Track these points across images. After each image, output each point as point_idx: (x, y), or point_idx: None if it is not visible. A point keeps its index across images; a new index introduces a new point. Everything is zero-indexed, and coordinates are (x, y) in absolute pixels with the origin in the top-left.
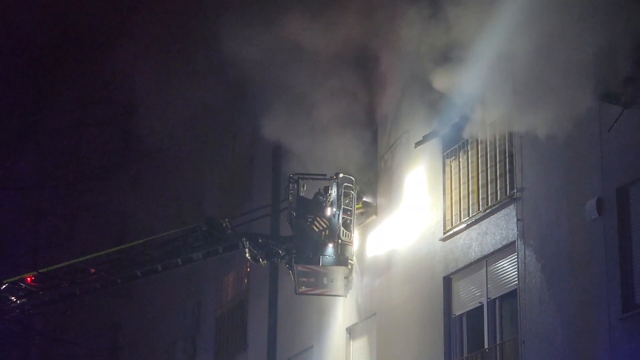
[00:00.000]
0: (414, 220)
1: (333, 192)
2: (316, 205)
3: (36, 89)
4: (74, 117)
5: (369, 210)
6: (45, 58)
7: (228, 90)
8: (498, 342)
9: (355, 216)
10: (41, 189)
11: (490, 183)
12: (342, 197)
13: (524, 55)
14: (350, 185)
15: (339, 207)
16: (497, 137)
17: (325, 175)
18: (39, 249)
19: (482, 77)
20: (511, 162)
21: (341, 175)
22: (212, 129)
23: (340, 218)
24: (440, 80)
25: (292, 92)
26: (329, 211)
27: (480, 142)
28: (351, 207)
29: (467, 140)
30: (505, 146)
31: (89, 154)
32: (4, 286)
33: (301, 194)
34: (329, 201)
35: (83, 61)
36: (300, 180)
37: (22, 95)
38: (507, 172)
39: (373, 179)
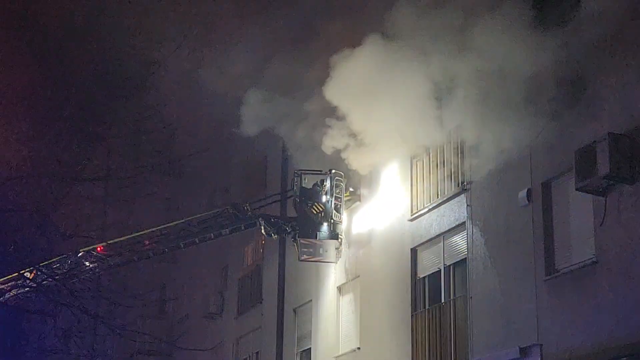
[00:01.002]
0: (388, 205)
1: (327, 183)
2: (314, 193)
3: (102, 105)
4: (132, 127)
5: (354, 198)
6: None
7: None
8: (452, 297)
9: (343, 202)
10: (108, 181)
11: (447, 178)
12: (334, 188)
13: (472, 80)
14: (340, 178)
15: (331, 195)
16: (452, 143)
17: (321, 171)
18: (107, 226)
19: (440, 98)
20: (462, 163)
21: (333, 171)
22: (236, 136)
23: (333, 203)
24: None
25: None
26: (324, 198)
27: (439, 147)
28: (341, 195)
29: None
30: (458, 150)
31: (145, 153)
32: (80, 254)
33: (303, 185)
34: (324, 190)
35: (135, 86)
36: (302, 175)
37: (91, 110)
38: (460, 170)
39: (357, 174)
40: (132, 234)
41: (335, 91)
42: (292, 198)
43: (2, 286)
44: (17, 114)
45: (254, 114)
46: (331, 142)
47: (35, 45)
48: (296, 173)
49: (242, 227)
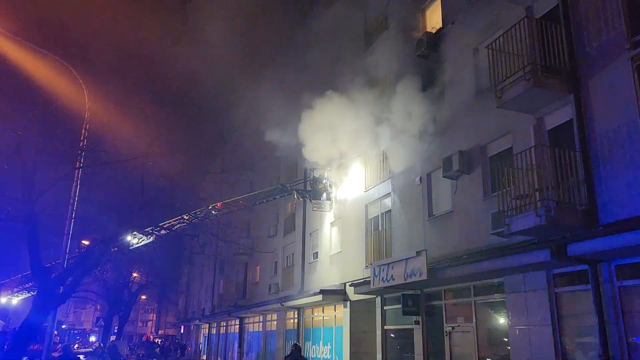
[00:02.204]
0: (355, 184)
1: (326, 174)
2: (320, 179)
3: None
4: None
5: (338, 181)
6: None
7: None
8: (384, 227)
9: (333, 183)
10: (222, 173)
11: (382, 171)
12: (329, 176)
13: (394, 126)
14: (332, 172)
15: (328, 180)
16: (383, 155)
17: (325, 170)
18: (221, 195)
19: (378, 135)
20: (387, 167)
21: (328, 168)
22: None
23: (328, 184)
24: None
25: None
26: (324, 181)
27: (376, 158)
28: (332, 180)
29: (374, 156)
30: (387, 158)
31: (238, 161)
32: (210, 207)
33: (314, 175)
34: (324, 177)
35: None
36: (312, 169)
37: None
38: (388, 168)
39: (342, 170)
40: (233, 198)
41: (310, 153)
42: (309, 181)
43: (173, 222)
44: (177, 147)
45: (288, 146)
46: (324, 169)
47: (190, 115)
48: (310, 169)
49: (286, 195)
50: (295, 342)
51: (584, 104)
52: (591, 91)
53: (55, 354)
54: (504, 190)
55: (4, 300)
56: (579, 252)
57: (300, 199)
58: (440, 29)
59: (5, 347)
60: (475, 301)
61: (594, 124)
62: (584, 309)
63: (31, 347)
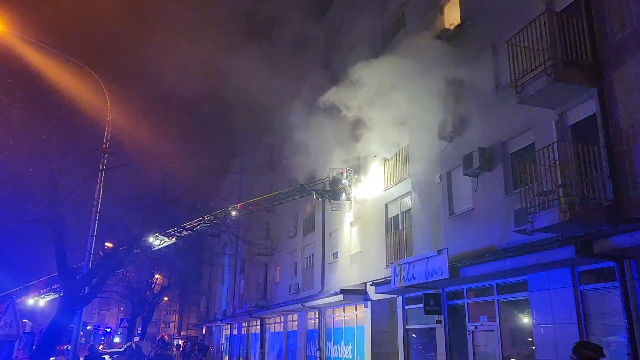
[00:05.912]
0: (374, 184)
1: (345, 174)
2: (339, 179)
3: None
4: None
5: (357, 181)
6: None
7: None
8: (404, 226)
9: (353, 183)
10: (242, 174)
11: (400, 171)
12: (348, 176)
13: (415, 128)
14: (351, 171)
15: (347, 179)
16: (402, 154)
17: (343, 168)
18: (240, 196)
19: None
20: (407, 166)
21: (347, 168)
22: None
23: (348, 184)
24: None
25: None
26: (344, 181)
27: (395, 157)
28: (351, 180)
29: (393, 155)
30: (407, 157)
31: (260, 159)
32: (230, 208)
33: (333, 175)
34: (343, 177)
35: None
36: (332, 169)
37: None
38: (408, 166)
39: (361, 169)
40: (252, 199)
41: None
42: (328, 182)
43: (194, 223)
44: (201, 148)
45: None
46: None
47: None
48: (330, 169)
49: (304, 196)
50: None
51: (607, 97)
52: (615, 84)
53: (81, 356)
54: (527, 186)
55: (31, 301)
56: (605, 248)
57: (320, 199)
58: (458, 26)
59: (33, 347)
60: (498, 300)
61: (618, 117)
62: (611, 307)
63: (59, 347)
